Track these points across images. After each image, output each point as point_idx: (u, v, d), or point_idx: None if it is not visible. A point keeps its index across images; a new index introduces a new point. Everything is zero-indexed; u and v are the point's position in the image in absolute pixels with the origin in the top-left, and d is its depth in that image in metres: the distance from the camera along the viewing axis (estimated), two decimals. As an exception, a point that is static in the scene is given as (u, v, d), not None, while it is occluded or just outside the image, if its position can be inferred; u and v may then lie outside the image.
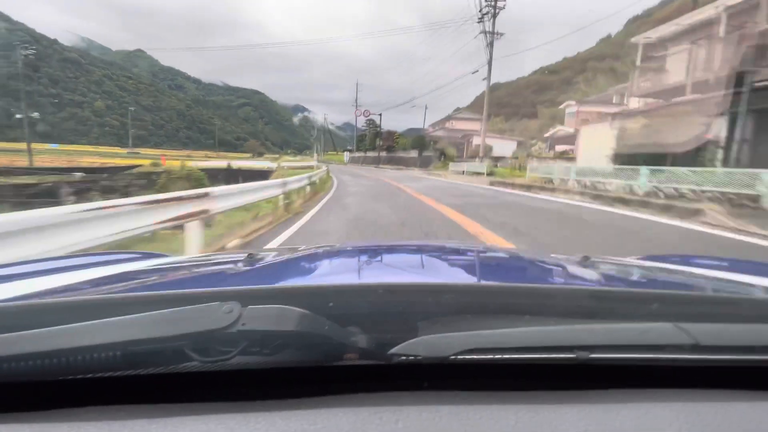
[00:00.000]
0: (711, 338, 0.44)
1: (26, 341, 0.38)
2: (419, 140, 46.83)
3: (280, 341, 0.40)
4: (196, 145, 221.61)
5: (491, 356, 0.42)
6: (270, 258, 0.97)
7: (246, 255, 0.95)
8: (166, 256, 1.25)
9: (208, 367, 0.39)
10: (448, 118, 53.18)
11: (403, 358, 0.42)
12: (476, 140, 35.58)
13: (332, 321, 0.42)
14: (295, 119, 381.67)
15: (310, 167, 24.26)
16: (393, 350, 0.42)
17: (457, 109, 72.51)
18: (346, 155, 73.31)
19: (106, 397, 0.41)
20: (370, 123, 72.65)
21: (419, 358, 0.41)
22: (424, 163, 39.34)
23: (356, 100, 68.76)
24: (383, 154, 55.17)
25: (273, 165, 31.84)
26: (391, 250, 1.22)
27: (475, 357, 0.42)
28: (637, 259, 1.30)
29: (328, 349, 0.41)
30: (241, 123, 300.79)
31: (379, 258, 1.08)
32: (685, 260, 1.24)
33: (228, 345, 0.39)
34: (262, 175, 23.64)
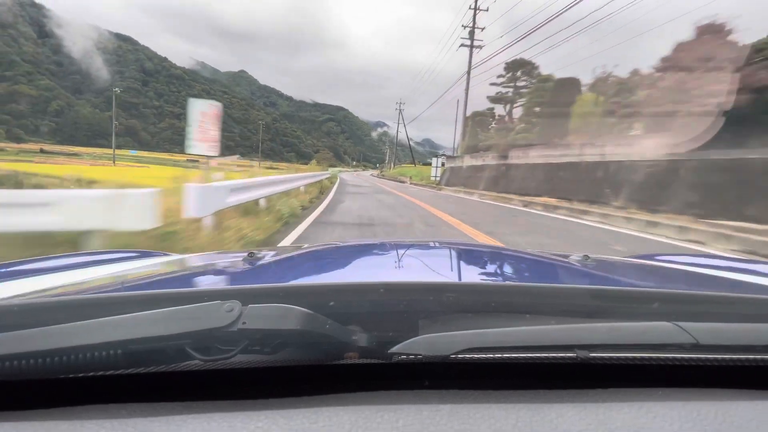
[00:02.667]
0: (711, 337, 0.43)
1: (27, 340, 0.38)
2: None
3: (280, 340, 0.40)
4: (278, 156, 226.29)
5: (492, 355, 0.42)
6: (271, 257, 0.97)
7: (247, 254, 0.95)
8: (167, 255, 1.26)
9: (209, 365, 0.39)
10: None
11: (404, 356, 0.42)
12: None
13: (333, 320, 0.42)
14: (374, 134, 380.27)
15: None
16: (393, 349, 0.42)
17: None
18: (435, 166, 31.41)
19: (108, 395, 0.41)
20: (519, 67, 26.48)
21: (420, 357, 0.41)
22: None
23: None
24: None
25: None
26: (392, 248, 1.20)
27: (475, 356, 0.42)
28: (637, 258, 1.28)
29: (329, 347, 0.41)
30: (323, 137, 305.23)
31: (379, 257, 1.08)
32: (685, 260, 1.23)
33: (229, 344, 0.39)
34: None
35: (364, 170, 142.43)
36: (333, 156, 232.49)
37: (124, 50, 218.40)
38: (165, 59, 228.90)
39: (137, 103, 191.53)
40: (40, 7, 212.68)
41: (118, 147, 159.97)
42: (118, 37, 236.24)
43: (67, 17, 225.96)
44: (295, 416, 0.37)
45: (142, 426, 0.36)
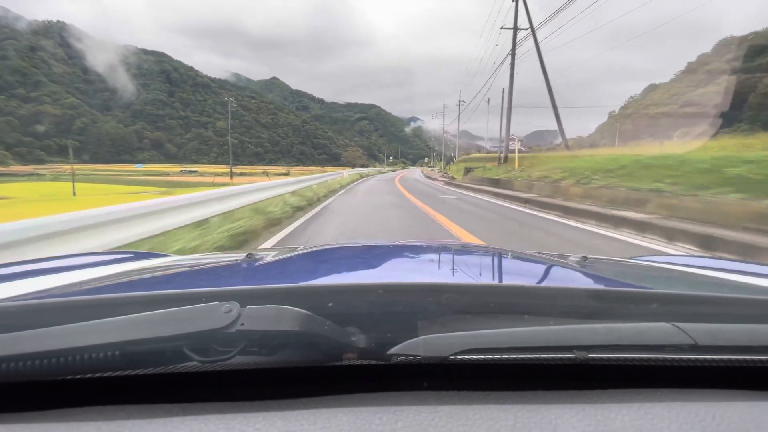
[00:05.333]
0: (710, 338, 0.43)
1: (26, 341, 0.38)
2: None
3: (279, 341, 0.40)
4: (310, 160, 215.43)
5: (490, 356, 0.42)
6: (269, 258, 0.97)
7: (245, 255, 0.96)
8: (166, 255, 1.26)
9: (207, 367, 0.39)
10: None
11: (403, 357, 0.42)
12: None
13: (331, 321, 0.42)
14: (408, 129, 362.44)
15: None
16: (392, 350, 0.42)
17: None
18: None
19: (106, 397, 0.41)
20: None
21: (419, 358, 0.41)
22: None
23: None
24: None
25: None
26: (391, 249, 1.20)
27: (474, 357, 0.42)
28: (636, 259, 1.30)
29: (328, 349, 0.41)
30: (355, 136, 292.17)
31: (378, 258, 1.08)
32: (685, 260, 1.23)
33: (227, 345, 0.39)
34: None
35: (403, 168, 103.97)
36: (363, 154, 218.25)
37: (149, 62, 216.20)
38: (191, 68, 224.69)
39: (163, 114, 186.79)
40: (70, 28, 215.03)
41: (145, 160, 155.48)
42: (146, 52, 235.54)
43: (93, 35, 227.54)
44: (294, 418, 0.37)
45: (139, 427, 0.36)
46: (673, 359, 0.43)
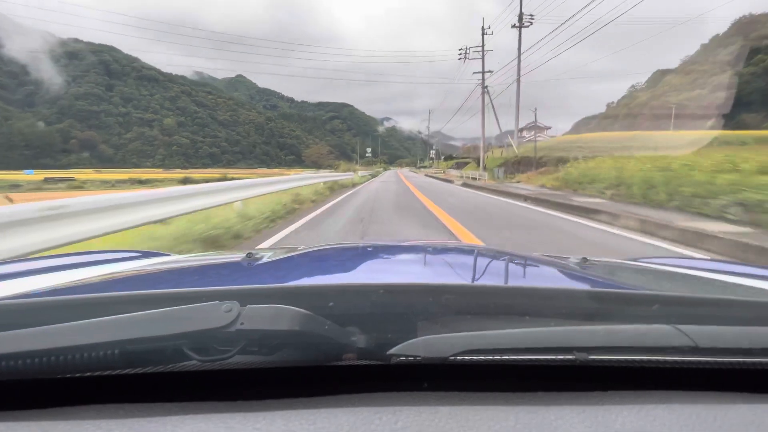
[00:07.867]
0: (710, 340, 0.44)
1: (25, 339, 0.38)
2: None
3: (279, 341, 0.40)
4: (275, 161, 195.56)
5: (491, 357, 0.42)
6: (269, 257, 0.97)
7: (245, 254, 0.95)
8: (166, 254, 1.27)
9: (207, 366, 0.39)
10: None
11: (403, 358, 0.42)
12: None
13: (332, 321, 0.42)
14: (381, 129, 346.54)
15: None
16: (392, 350, 0.42)
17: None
18: None
19: (105, 395, 0.41)
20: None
21: (419, 358, 0.41)
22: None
23: None
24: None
25: None
26: (391, 250, 1.20)
27: (474, 358, 0.42)
28: (636, 260, 1.31)
29: (328, 349, 0.41)
30: (326, 135, 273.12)
31: (379, 258, 1.08)
32: (684, 262, 1.24)
33: (227, 344, 0.39)
34: None
35: (385, 170, 67.53)
36: (331, 152, 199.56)
37: (84, 52, 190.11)
38: (136, 59, 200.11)
39: (98, 111, 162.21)
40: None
41: (71, 165, 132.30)
42: (77, 41, 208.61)
43: (28, 25, 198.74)
44: (294, 417, 0.37)
45: (139, 426, 0.36)
46: (673, 361, 0.44)
